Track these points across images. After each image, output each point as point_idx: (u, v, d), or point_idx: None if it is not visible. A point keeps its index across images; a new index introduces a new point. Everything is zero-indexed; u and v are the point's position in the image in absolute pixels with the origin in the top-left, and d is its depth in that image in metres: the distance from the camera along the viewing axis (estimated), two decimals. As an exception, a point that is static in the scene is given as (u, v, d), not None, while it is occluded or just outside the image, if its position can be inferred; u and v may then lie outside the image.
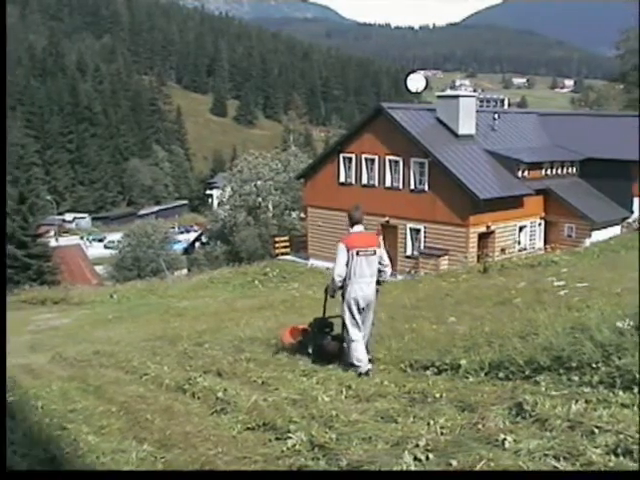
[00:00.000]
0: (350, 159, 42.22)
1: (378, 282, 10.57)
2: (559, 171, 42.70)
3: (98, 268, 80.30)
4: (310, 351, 11.40)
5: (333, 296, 10.62)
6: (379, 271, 10.48)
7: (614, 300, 9.65)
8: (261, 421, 6.95)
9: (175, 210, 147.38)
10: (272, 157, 69.01)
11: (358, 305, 10.19)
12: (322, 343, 11.18)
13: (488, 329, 10.19)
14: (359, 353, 10.16)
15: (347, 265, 10.14)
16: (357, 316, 10.26)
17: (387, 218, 39.87)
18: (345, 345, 10.50)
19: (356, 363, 10.09)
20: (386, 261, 10.61)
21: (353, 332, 10.26)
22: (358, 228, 10.59)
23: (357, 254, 10.10)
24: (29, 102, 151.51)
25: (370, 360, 10.20)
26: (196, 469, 4.46)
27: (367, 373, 9.88)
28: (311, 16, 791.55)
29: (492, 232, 38.15)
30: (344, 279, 10.20)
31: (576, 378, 6.83)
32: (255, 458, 5.76)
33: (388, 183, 40.32)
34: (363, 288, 10.18)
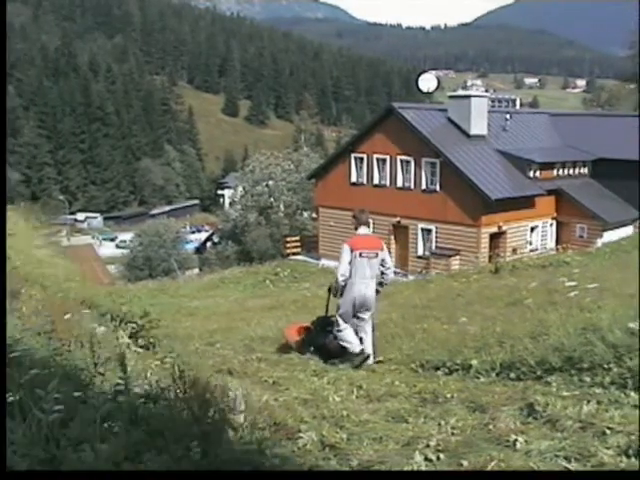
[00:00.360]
0: (361, 159, 42.24)
1: (380, 284, 10.89)
2: (571, 171, 42.65)
3: (110, 267, 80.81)
4: (311, 349, 11.54)
5: (335, 295, 10.95)
6: (382, 273, 10.80)
7: (626, 301, 9.63)
8: (272, 421, 6.96)
9: (186, 210, 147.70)
10: (284, 157, 68.97)
11: (355, 304, 10.60)
12: (324, 342, 11.38)
13: (499, 329, 10.19)
14: (347, 337, 10.74)
15: (350, 265, 10.52)
16: (350, 313, 10.74)
17: (398, 218, 39.88)
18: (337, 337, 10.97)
19: (346, 345, 10.69)
20: (389, 263, 10.92)
21: (341, 323, 10.80)
22: (363, 230, 10.90)
23: (360, 255, 10.49)
24: (42, 102, 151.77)
25: (380, 361, 10.34)
26: (204, 469, 4.47)
27: (361, 353, 10.40)
28: (322, 16, 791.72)
29: (503, 232, 38.11)
30: (346, 279, 10.61)
31: (588, 379, 6.82)
32: (266, 458, 5.76)
33: (399, 183, 40.33)
34: (362, 289, 10.58)
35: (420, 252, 39.60)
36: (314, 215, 51.40)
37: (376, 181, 41.56)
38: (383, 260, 10.79)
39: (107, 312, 19.36)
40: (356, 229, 10.94)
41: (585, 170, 43.37)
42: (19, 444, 4.32)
